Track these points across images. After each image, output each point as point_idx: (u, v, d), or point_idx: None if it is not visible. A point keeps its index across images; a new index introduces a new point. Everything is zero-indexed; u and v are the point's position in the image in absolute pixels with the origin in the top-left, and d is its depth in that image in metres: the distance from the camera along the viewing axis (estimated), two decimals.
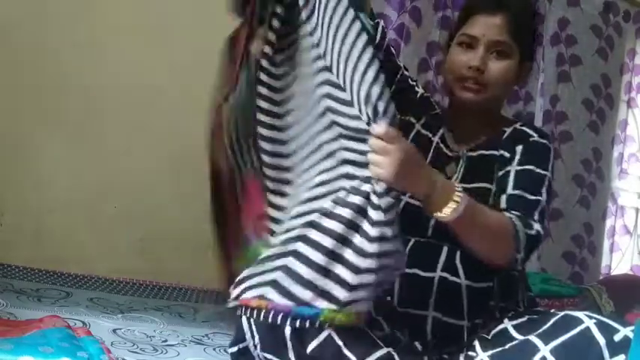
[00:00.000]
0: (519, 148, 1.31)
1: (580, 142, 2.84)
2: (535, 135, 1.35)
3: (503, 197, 1.25)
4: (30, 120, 2.08)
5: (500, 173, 1.29)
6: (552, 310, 1.20)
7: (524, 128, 1.38)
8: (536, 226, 1.21)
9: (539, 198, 1.25)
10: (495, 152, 1.33)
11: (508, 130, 1.37)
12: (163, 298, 1.95)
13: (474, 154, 1.35)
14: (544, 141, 1.34)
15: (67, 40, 2.10)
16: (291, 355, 1.11)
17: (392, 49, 1.49)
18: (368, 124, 1.10)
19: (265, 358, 1.14)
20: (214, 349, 1.48)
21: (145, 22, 2.19)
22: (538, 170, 1.28)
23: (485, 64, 1.31)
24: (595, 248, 2.92)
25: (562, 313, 1.12)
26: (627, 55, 3.07)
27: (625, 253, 3.14)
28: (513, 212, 1.21)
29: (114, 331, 1.50)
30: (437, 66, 2.42)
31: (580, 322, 1.07)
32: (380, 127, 1.08)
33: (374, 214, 1.08)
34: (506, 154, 1.32)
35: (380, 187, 1.08)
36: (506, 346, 1.13)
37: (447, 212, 1.11)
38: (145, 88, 2.18)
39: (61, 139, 2.11)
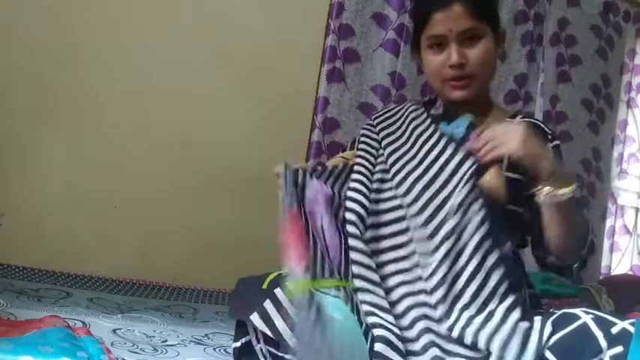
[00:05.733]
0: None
1: (580, 142, 2.84)
2: (549, 135, 1.38)
3: None
4: (30, 120, 2.08)
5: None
6: (551, 310, 1.20)
7: (536, 122, 1.41)
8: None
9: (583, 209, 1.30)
10: None
11: (515, 122, 1.38)
12: (163, 298, 1.95)
13: None
14: (558, 142, 1.38)
15: (66, 40, 2.10)
16: None
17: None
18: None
19: (269, 351, 1.15)
20: (214, 349, 1.48)
21: (145, 23, 2.19)
22: (566, 171, 1.30)
23: (463, 57, 1.31)
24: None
25: (560, 312, 1.13)
26: (627, 55, 3.07)
27: (625, 253, 3.14)
28: None
29: (114, 331, 1.50)
30: None
31: (577, 317, 1.08)
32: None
33: None
34: None
35: None
36: None
37: (566, 191, 1.15)
38: (144, 88, 2.19)
39: (61, 139, 2.12)
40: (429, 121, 1.39)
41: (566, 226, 1.20)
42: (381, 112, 1.53)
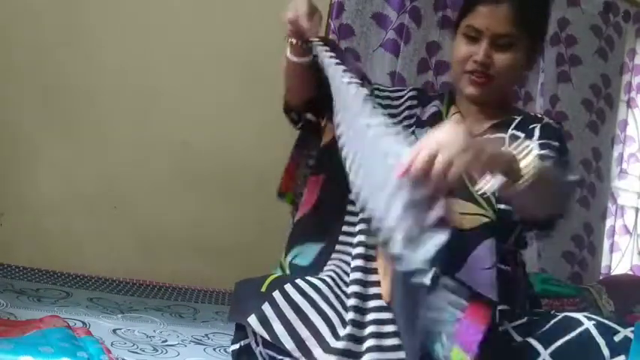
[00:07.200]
0: (536, 129, 1.29)
1: (580, 142, 2.84)
2: (546, 118, 1.36)
3: None
4: (29, 120, 2.07)
5: None
6: (552, 311, 1.20)
7: (537, 115, 1.40)
8: (574, 175, 1.17)
9: (568, 158, 1.24)
10: (502, 135, 1.30)
11: (519, 118, 1.35)
12: (163, 298, 1.95)
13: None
14: (557, 125, 1.35)
15: (66, 40, 2.10)
16: None
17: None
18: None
19: (268, 354, 1.15)
20: (214, 349, 1.48)
21: (145, 23, 2.19)
22: (555, 143, 1.25)
23: (489, 57, 1.29)
24: (595, 248, 2.92)
25: (561, 315, 1.12)
26: (627, 55, 3.07)
27: (625, 253, 3.14)
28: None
29: (114, 331, 1.50)
30: (437, 66, 2.41)
31: (580, 323, 1.07)
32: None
33: None
34: (519, 133, 1.28)
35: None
36: (507, 351, 1.12)
37: (529, 172, 0.98)
38: (144, 88, 2.18)
39: (61, 139, 2.11)
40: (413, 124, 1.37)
41: (544, 190, 1.06)
42: (384, 88, 1.49)
